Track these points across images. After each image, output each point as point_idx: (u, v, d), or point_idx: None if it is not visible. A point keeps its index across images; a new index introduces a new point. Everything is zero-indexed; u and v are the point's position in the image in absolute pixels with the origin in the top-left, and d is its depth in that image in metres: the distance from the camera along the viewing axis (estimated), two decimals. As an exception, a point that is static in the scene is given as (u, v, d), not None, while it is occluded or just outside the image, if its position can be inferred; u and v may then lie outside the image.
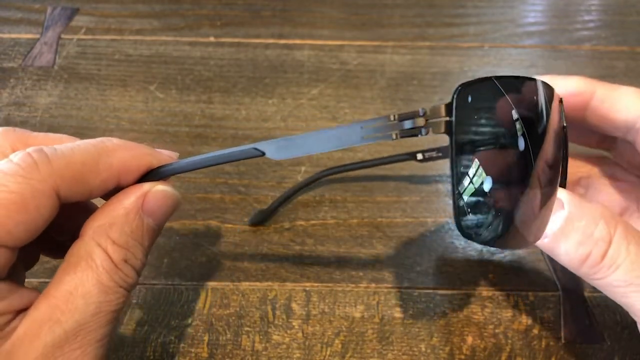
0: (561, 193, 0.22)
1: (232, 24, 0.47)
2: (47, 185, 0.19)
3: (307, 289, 0.33)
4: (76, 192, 0.20)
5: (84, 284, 0.20)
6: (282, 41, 0.46)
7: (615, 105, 0.25)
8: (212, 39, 0.46)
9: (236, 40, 0.46)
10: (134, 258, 0.22)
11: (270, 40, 0.46)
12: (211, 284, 0.33)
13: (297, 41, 0.46)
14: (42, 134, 0.23)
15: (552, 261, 0.34)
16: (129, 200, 0.22)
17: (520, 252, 0.34)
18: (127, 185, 0.22)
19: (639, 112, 0.24)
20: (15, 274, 0.21)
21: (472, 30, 0.48)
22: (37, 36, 0.46)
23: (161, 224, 0.23)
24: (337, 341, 0.31)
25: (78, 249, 0.21)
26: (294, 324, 0.31)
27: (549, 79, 0.24)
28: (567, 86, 0.25)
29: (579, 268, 0.22)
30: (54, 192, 0.20)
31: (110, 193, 0.22)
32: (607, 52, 0.46)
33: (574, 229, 0.22)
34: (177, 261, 0.34)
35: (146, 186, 0.22)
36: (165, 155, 0.24)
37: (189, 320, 0.31)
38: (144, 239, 0.22)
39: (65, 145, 0.21)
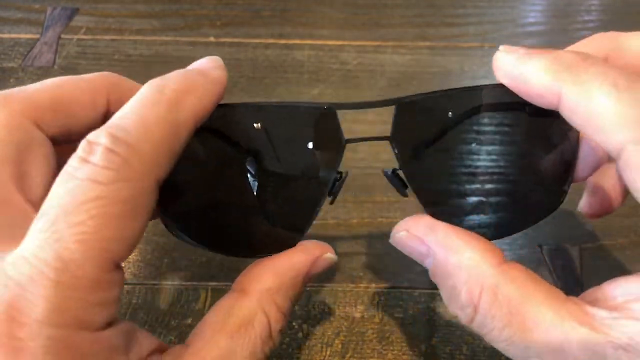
0: (426, 236, 0.21)
1: (232, 24, 0.47)
2: (148, 181, 0.17)
3: (307, 289, 0.33)
4: (169, 166, 0.18)
5: (239, 353, 0.19)
6: (282, 41, 0.46)
7: (588, 122, 0.18)
8: (212, 39, 0.46)
9: (236, 40, 0.46)
10: (286, 325, 0.21)
11: (270, 40, 0.46)
12: (211, 284, 0.33)
13: (297, 41, 0.46)
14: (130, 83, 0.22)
15: (552, 261, 0.34)
16: (300, 262, 0.21)
17: (520, 252, 0.34)
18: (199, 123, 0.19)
19: (622, 139, 0.17)
20: None
21: (472, 30, 0.48)
22: (37, 36, 0.46)
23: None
24: (337, 341, 0.31)
25: (242, 308, 0.20)
26: (294, 324, 0.31)
27: (501, 57, 0.21)
28: (525, 79, 0.20)
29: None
30: (155, 183, 0.17)
31: None
32: (607, 52, 0.46)
33: (442, 285, 0.21)
34: (177, 261, 0.34)
35: (316, 251, 0.21)
36: (220, 75, 0.20)
37: (189, 320, 0.31)
38: (296, 303, 0.21)
39: (134, 121, 0.17)
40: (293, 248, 0.21)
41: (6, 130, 0.19)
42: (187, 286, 0.32)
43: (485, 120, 0.22)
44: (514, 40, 0.47)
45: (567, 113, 0.19)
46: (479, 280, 0.19)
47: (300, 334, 0.31)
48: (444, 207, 0.22)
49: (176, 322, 0.31)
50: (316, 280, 0.33)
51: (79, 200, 0.15)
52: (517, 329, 0.18)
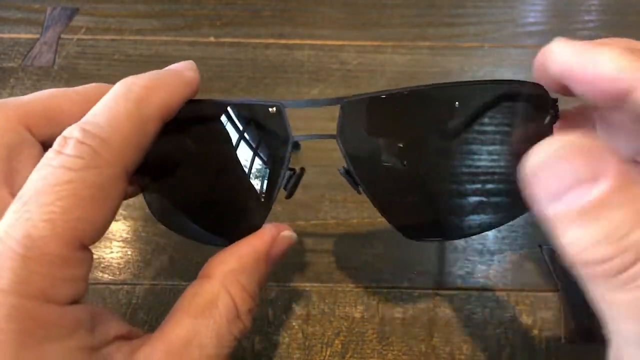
0: (610, 155, 0.15)
1: (232, 24, 0.47)
2: (117, 169, 0.19)
3: (307, 289, 0.33)
4: (137, 156, 0.20)
5: (203, 333, 0.19)
6: (282, 41, 0.46)
7: None
8: (212, 39, 0.46)
9: (236, 40, 0.46)
10: (255, 307, 0.21)
11: (270, 40, 0.46)
12: (211, 284, 0.33)
13: (297, 41, 0.46)
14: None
15: (552, 261, 0.34)
16: (260, 244, 0.21)
17: (520, 252, 0.34)
18: (169, 118, 0.21)
19: None
20: None
21: (472, 30, 0.48)
22: (37, 36, 0.46)
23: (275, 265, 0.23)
24: (337, 341, 0.31)
25: (205, 291, 0.20)
26: (294, 324, 0.31)
27: (581, 47, 0.19)
28: (599, 68, 0.18)
29: (581, 267, 0.16)
30: (123, 171, 0.19)
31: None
32: (607, 52, 0.46)
33: (602, 218, 0.15)
34: (177, 261, 0.34)
35: (273, 230, 0.22)
36: (190, 75, 0.22)
37: (189, 320, 0.31)
38: (263, 285, 0.21)
39: (106, 116, 0.19)
40: (253, 233, 0.22)
41: (0, 132, 0.20)
42: (187, 286, 0.32)
43: (429, 119, 0.22)
44: (514, 40, 0.47)
45: None
46: None
47: (300, 334, 0.31)
48: (392, 204, 0.23)
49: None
50: (317, 280, 0.33)
51: (50, 184, 0.17)
52: None
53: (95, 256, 0.34)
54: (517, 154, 0.20)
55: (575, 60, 0.19)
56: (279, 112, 0.22)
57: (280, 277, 0.33)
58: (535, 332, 0.31)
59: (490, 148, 0.22)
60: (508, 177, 0.22)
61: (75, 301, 0.18)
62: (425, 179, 0.22)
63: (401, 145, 0.22)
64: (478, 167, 0.22)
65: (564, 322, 0.31)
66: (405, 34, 0.47)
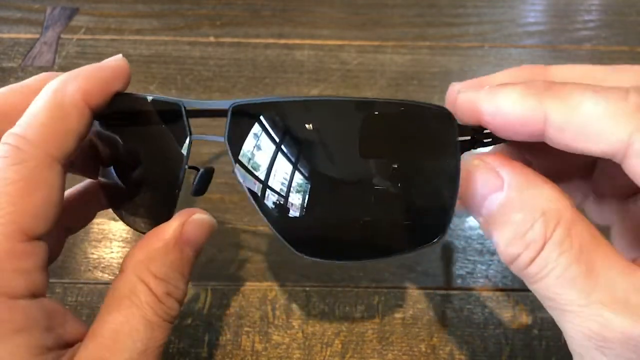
0: (502, 167, 0.19)
1: (232, 24, 0.47)
2: (39, 158, 0.19)
3: (307, 289, 0.33)
4: (65, 142, 0.21)
5: (129, 321, 0.20)
6: (282, 41, 0.46)
7: (582, 134, 0.18)
8: (212, 39, 0.46)
9: (236, 40, 0.46)
10: (176, 289, 0.22)
11: (270, 40, 0.46)
12: (211, 284, 0.33)
13: (297, 41, 0.46)
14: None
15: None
16: (167, 233, 0.22)
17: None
18: (98, 107, 0.22)
19: (620, 139, 0.17)
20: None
21: (472, 30, 0.48)
22: (37, 36, 0.46)
23: (199, 251, 0.23)
24: (337, 341, 0.31)
25: (121, 285, 0.21)
26: (294, 324, 0.31)
27: (465, 95, 0.20)
28: (502, 114, 0.19)
29: (507, 265, 0.19)
30: (50, 159, 0.20)
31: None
32: (607, 52, 0.46)
33: (507, 221, 0.18)
34: (177, 261, 0.34)
35: (183, 216, 0.22)
36: (111, 64, 0.23)
37: (189, 320, 0.31)
38: (184, 269, 0.22)
39: (26, 115, 0.20)
40: (162, 224, 0.22)
41: None
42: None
43: (320, 134, 0.21)
44: (514, 40, 0.47)
45: (555, 133, 0.18)
46: (557, 214, 0.18)
47: (300, 334, 0.31)
48: (276, 211, 0.22)
49: (176, 323, 0.31)
50: (317, 280, 0.33)
51: None
52: (584, 269, 0.17)
53: (95, 256, 0.34)
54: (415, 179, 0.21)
55: (487, 109, 0.19)
56: (179, 111, 0.22)
57: (280, 277, 0.33)
58: (535, 332, 0.31)
59: (387, 170, 0.21)
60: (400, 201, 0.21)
61: (33, 295, 0.19)
62: (310, 190, 0.21)
63: (289, 154, 0.21)
64: (372, 186, 0.21)
65: (564, 322, 0.31)
66: (405, 34, 0.47)
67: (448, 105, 0.21)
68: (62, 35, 0.46)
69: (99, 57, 0.44)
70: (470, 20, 0.49)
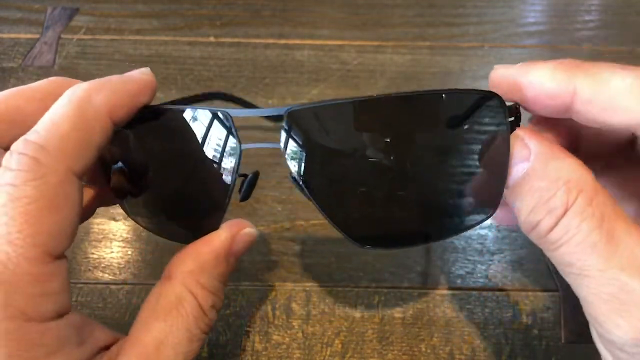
0: (530, 139, 0.20)
1: (232, 24, 0.47)
2: (61, 173, 0.18)
3: (307, 289, 0.33)
4: (85, 157, 0.19)
5: (174, 333, 0.20)
6: (282, 41, 0.46)
7: (608, 107, 0.19)
8: (212, 39, 0.46)
9: (236, 40, 0.46)
10: (220, 301, 0.22)
11: (270, 40, 0.46)
12: (211, 284, 0.33)
13: (297, 41, 0.46)
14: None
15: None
16: (218, 243, 0.22)
17: (520, 252, 0.34)
18: (120, 121, 0.21)
19: None
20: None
21: (472, 30, 0.48)
22: (37, 36, 0.46)
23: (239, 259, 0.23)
24: (337, 341, 0.31)
25: (168, 293, 0.21)
26: (294, 324, 0.31)
27: (503, 71, 0.21)
28: (534, 87, 0.20)
29: (528, 233, 0.20)
30: (71, 174, 0.19)
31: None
32: (607, 52, 0.46)
33: (531, 189, 0.19)
34: (177, 261, 0.34)
35: (233, 228, 0.22)
36: (138, 76, 0.22)
37: (189, 320, 0.31)
38: (226, 280, 0.22)
39: (45, 123, 0.19)
40: (213, 232, 0.22)
41: None
42: (187, 286, 0.32)
43: (377, 129, 0.22)
44: (514, 40, 0.47)
45: (582, 106, 0.20)
46: (579, 184, 0.19)
47: (300, 334, 0.31)
48: (341, 213, 0.23)
49: (176, 322, 0.31)
50: (317, 280, 0.33)
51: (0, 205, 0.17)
52: (605, 236, 0.18)
53: (95, 256, 0.34)
54: (475, 160, 0.22)
55: (520, 82, 0.21)
56: (227, 120, 0.22)
57: (280, 277, 0.33)
58: (535, 332, 0.31)
59: (443, 157, 0.22)
60: (464, 182, 0.22)
61: (60, 315, 0.18)
62: (373, 187, 0.22)
63: (348, 154, 0.22)
64: (429, 174, 0.22)
65: (564, 322, 0.31)
66: (405, 34, 0.47)
67: (491, 86, 0.22)
68: (63, 35, 0.46)
69: (99, 57, 0.44)
70: (470, 20, 0.49)
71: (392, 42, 0.47)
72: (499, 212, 0.23)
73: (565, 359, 0.30)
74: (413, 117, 0.22)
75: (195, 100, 0.37)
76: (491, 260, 0.34)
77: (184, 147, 0.23)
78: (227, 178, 0.22)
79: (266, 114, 0.23)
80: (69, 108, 0.19)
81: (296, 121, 0.21)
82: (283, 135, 0.21)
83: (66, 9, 0.48)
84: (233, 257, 0.22)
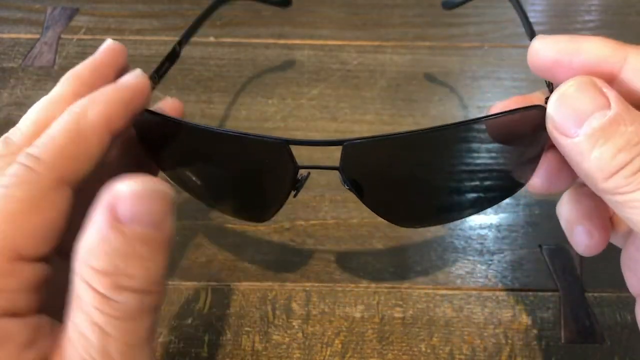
0: (609, 90, 0.20)
1: (232, 24, 0.47)
2: (51, 181, 0.19)
3: (307, 289, 0.33)
4: (81, 168, 0.20)
5: (81, 331, 0.18)
6: (282, 41, 0.46)
7: None
8: (212, 39, 0.46)
9: (236, 40, 0.46)
10: (129, 278, 0.18)
11: (270, 40, 0.46)
12: (211, 284, 0.33)
13: (297, 41, 0.46)
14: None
15: (552, 261, 0.34)
16: (97, 216, 0.18)
17: (520, 252, 0.34)
18: (119, 130, 0.22)
19: None
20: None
21: (472, 30, 0.48)
22: (37, 36, 0.46)
23: (158, 222, 0.18)
24: (337, 341, 0.31)
25: (71, 286, 0.19)
26: (294, 324, 0.31)
27: (564, 39, 0.22)
28: (585, 54, 0.21)
29: (607, 178, 0.20)
30: (62, 183, 0.20)
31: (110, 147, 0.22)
32: (607, 52, 0.46)
33: (618, 132, 0.19)
34: (177, 261, 0.34)
35: (109, 199, 0.18)
36: (132, 82, 0.23)
37: (189, 320, 0.31)
38: (139, 250, 0.18)
39: (45, 137, 0.20)
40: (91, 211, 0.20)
41: None
42: (187, 286, 0.32)
43: (432, 159, 0.24)
44: (514, 40, 0.47)
45: (630, 74, 0.21)
46: None
47: (300, 334, 0.31)
48: (388, 211, 0.26)
49: (176, 323, 0.31)
50: (317, 280, 0.33)
51: None
52: None
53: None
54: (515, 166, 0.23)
55: (560, 53, 0.22)
56: (285, 148, 0.23)
57: (280, 277, 0.33)
58: (535, 332, 0.31)
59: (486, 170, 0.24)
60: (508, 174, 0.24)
61: (13, 314, 0.18)
62: (420, 194, 0.25)
63: (404, 180, 0.24)
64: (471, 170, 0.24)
65: (564, 322, 0.31)
66: (405, 34, 0.47)
67: (533, 55, 0.24)
68: (63, 36, 0.46)
69: (99, 57, 0.44)
70: (470, 20, 0.49)
71: (392, 42, 0.47)
72: (536, 179, 0.24)
73: (565, 359, 0.30)
74: (463, 148, 0.23)
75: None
76: (491, 260, 0.34)
77: (237, 166, 0.25)
78: (284, 195, 0.25)
79: (324, 144, 0.24)
80: (67, 124, 0.21)
81: (352, 152, 0.23)
82: (342, 161, 0.23)
83: (66, 9, 0.48)
84: (134, 223, 0.18)
